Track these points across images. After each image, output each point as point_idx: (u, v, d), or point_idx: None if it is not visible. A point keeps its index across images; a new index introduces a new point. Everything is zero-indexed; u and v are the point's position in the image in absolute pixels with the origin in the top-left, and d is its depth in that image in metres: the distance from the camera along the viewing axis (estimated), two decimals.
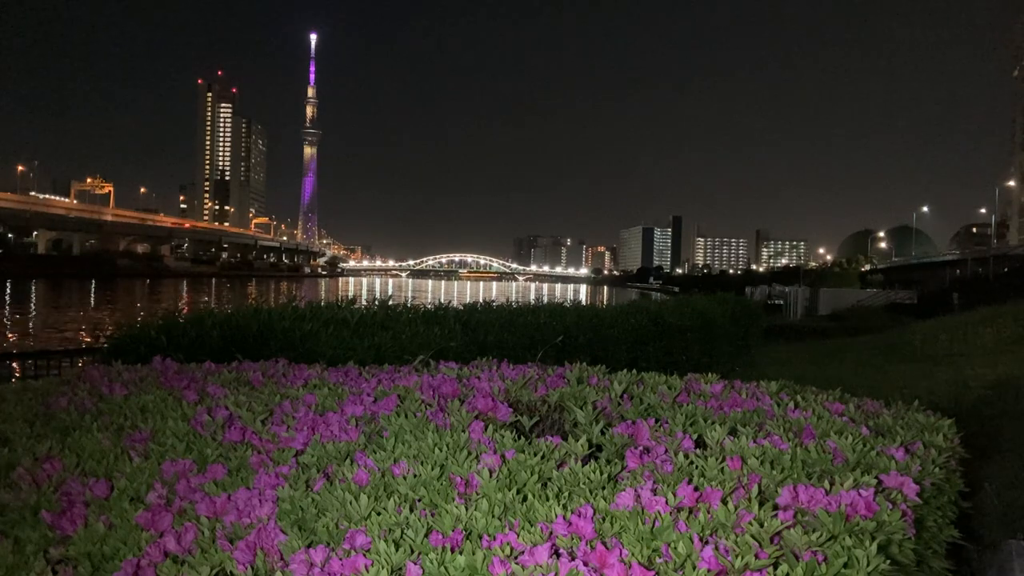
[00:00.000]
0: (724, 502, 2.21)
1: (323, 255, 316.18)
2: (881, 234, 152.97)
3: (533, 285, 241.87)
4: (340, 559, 1.93)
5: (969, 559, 4.01)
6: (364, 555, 1.93)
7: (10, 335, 38.29)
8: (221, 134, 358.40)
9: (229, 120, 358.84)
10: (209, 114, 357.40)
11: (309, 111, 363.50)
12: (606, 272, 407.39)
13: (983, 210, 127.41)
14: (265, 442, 3.03)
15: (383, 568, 1.84)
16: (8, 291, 75.18)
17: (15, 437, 3.18)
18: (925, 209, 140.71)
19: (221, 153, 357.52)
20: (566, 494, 2.41)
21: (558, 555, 1.89)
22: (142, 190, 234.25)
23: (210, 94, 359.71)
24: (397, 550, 1.95)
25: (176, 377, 4.29)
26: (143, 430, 3.20)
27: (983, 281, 57.52)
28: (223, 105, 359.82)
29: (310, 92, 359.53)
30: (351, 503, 2.26)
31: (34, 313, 57.07)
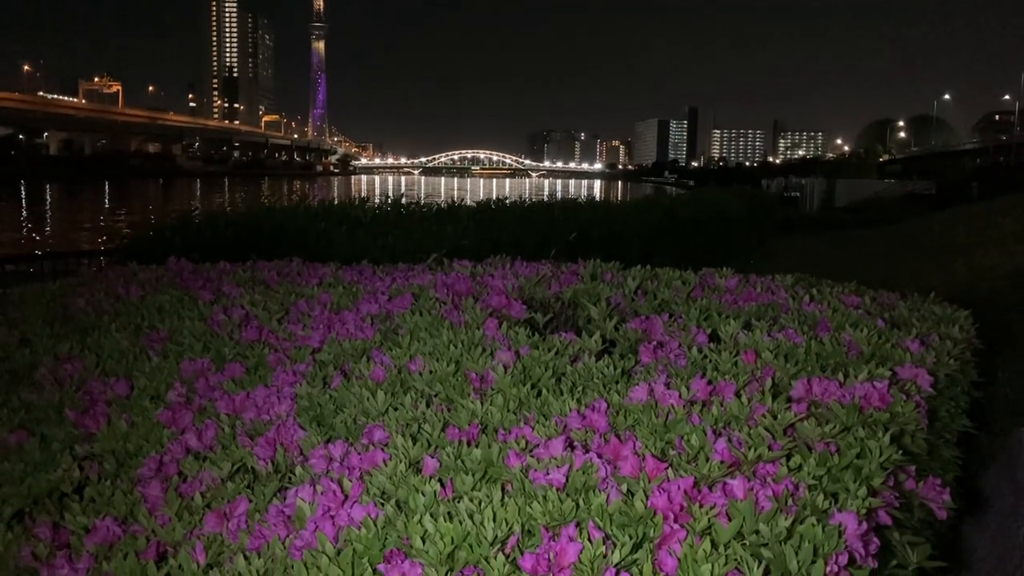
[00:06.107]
0: (738, 395, 2.22)
1: (334, 153, 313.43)
2: (901, 124, 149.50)
3: (547, 181, 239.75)
4: (359, 453, 1.96)
5: (979, 447, 4.06)
6: (382, 449, 1.97)
7: (26, 237, 38.56)
8: (227, 30, 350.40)
9: (235, 14, 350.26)
10: (214, 8, 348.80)
11: (316, 4, 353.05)
12: (621, 167, 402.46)
13: (1007, 96, 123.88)
14: (282, 340, 3.06)
15: (401, 462, 1.88)
16: (23, 193, 75.31)
17: (35, 338, 3.23)
18: (947, 97, 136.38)
19: (228, 49, 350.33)
20: (580, 389, 2.43)
21: (572, 448, 1.92)
22: (150, 88, 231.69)
23: None
24: (415, 444, 1.98)
25: (191, 277, 4.31)
26: (160, 330, 3.24)
27: (1004, 170, 56.44)
28: None
29: None
30: (368, 399, 2.29)
31: (49, 215, 57.28)
